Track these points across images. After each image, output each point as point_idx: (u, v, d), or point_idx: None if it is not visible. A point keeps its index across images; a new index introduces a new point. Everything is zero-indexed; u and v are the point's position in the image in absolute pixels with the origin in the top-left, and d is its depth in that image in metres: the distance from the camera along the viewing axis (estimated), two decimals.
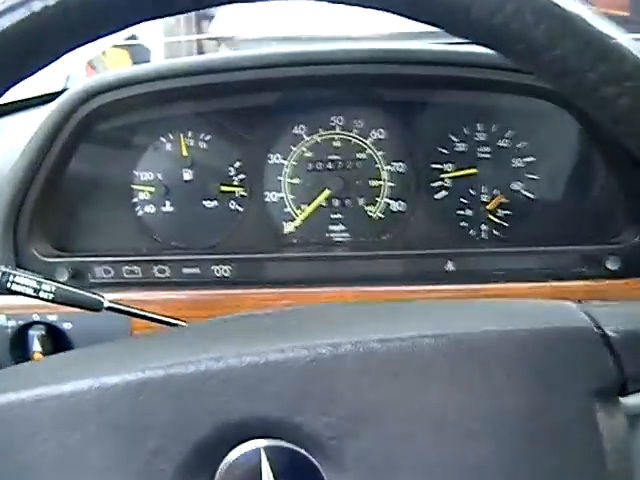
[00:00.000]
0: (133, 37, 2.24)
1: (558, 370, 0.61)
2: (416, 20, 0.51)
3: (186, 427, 0.56)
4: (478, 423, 0.59)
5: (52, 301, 0.99)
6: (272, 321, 0.73)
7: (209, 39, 2.50)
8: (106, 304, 1.03)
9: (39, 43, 0.46)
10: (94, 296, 1.03)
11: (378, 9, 0.50)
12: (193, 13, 3.33)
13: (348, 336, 0.59)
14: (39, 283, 0.98)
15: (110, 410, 0.57)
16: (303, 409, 0.57)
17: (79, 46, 0.48)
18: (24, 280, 0.97)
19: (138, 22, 0.47)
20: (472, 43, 0.53)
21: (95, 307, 1.03)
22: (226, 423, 0.56)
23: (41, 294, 0.98)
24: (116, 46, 2.15)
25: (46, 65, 0.48)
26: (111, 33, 0.48)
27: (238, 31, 2.25)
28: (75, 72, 1.73)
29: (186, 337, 0.73)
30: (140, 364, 0.58)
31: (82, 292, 1.03)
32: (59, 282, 1.02)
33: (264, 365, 0.57)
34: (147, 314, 1.05)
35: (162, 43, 2.62)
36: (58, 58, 0.48)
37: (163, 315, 1.07)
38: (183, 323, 1.06)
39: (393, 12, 0.50)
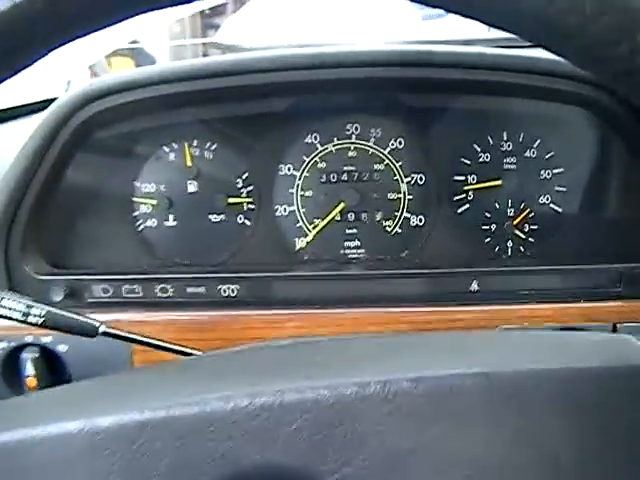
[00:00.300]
0: (135, 42, 2.20)
1: (620, 415, 0.55)
2: (464, 15, 0.46)
3: (189, 477, 0.52)
4: (526, 476, 0.53)
5: (42, 326, 0.93)
6: (289, 355, 0.67)
7: (214, 44, 2.46)
8: (102, 329, 0.97)
9: (27, 36, 0.44)
10: (89, 321, 0.97)
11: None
12: (199, 21, 3.31)
13: (376, 374, 0.54)
14: (28, 306, 0.92)
15: (103, 456, 0.51)
16: (323, 458, 0.52)
17: (68, 41, 0.46)
18: (11, 303, 0.92)
19: (128, 17, 0.46)
20: (520, 47, 0.48)
21: (89, 333, 0.96)
22: (235, 472, 0.52)
23: (30, 318, 0.92)
24: (120, 54, 2.12)
25: (36, 60, 0.46)
26: (102, 27, 0.46)
27: (244, 40, 2.21)
28: (77, 78, 1.68)
29: (191, 372, 0.67)
30: (138, 403, 0.54)
31: (75, 316, 0.96)
32: (51, 305, 0.96)
33: (279, 407, 0.52)
34: (147, 340, 0.99)
35: (167, 52, 2.60)
36: (47, 53, 0.46)
37: (164, 341, 1.01)
38: (186, 349, 0.99)
39: (432, 5, 0.45)
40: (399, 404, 0.53)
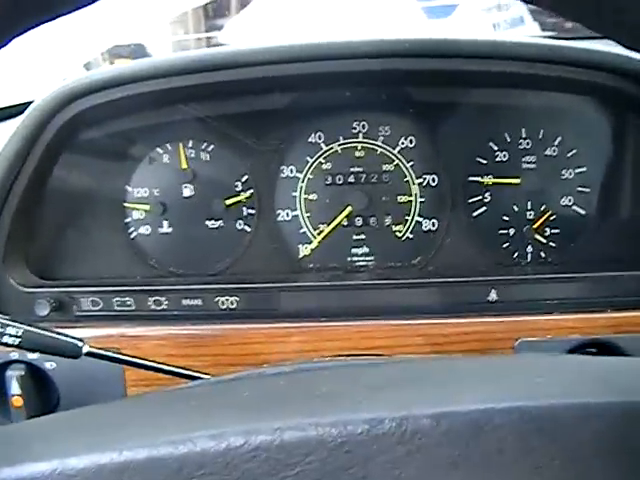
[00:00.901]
0: (137, 43, 2.19)
1: None
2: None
3: None
4: None
5: (19, 347, 0.88)
6: (290, 384, 0.63)
7: (217, 44, 2.45)
8: (85, 349, 0.92)
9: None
10: (71, 340, 0.91)
11: None
12: (202, 23, 3.33)
13: (391, 409, 0.50)
14: (2, 325, 0.87)
15: None
16: None
17: (32, 27, 0.44)
18: None
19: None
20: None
21: (72, 354, 0.92)
22: None
23: (5, 339, 0.87)
24: (122, 56, 2.11)
25: (21, 34, 0.44)
26: (66, 13, 0.44)
27: (247, 41, 2.19)
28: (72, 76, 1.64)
29: (178, 404, 0.62)
30: (118, 442, 0.49)
31: (56, 336, 0.91)
32: (37, 320, 0.96)
33: (278, 447, 0.48)
34: (135, 360, 0.93)
35: (170, 49, 2.61)
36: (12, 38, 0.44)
37: (154, 361, 0.97)
38: (178, 369, 0.96)
39: None
40: (418, 445, 0.48)
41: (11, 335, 0.86)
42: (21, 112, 1.16)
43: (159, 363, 0.95)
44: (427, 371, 0.62)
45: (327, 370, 0.66)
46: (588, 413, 0.50)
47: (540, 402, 0.50)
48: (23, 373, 1.10)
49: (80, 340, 0.91)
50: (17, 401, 1.10)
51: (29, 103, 1.12)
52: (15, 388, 1.09)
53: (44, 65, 1.59)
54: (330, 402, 0.54)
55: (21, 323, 0.88)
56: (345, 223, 1.23)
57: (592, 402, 0.50)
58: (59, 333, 0.91)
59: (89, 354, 0.91)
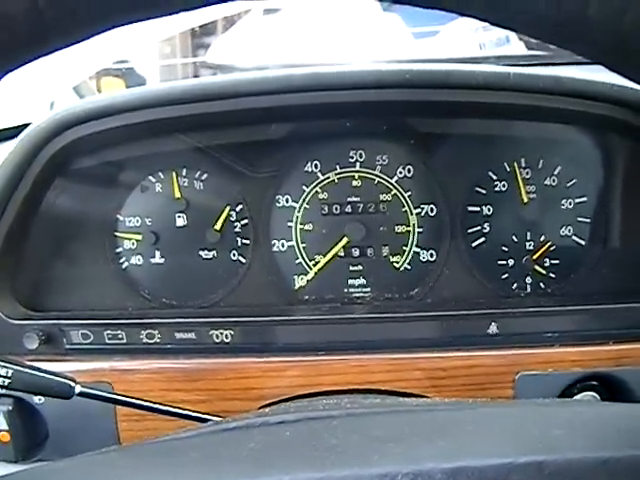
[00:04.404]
0: (125, 62, 2.15)
1: None
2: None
3: None
4: None
5: (8, 388, 0.85)
6: (295, 436, 0.58)
7: (204, 64, 2.42)
8: (77, 389, 0.89)
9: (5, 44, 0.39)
10: (63, 380, 0.89)
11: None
12: (189, 41, 3.30)
13: (403, 462, 0.46)
14: None
15: None
16: None
17: (53, 51, 0.42)
18: None
19: (117, 25, 0.42)
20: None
21: (64, 394, 0.89)
22: None
23: None
24: (111, 75, 2.07)
25: (15, 68, 0.42)
26: (92, 35, 0.42)
27: (235, 60, 2.17)
28: (61, 99, 1.61)
29: (183, 454, 0.57)
30: None
31: (47, 376, 0.88)
32: (25, 354, 0.95)
33: None
34: (129, 400, 0.91)
35: (158, 72, 2.57)
36: (28, 62, 0.42)
37: (147, 400, 0.94)
38: (172, 409, 0.94)
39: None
40: None
41: (0, 376, 0.83)
42: (15, 135, 1.14)
43: (152, 402, 0.93)
44: (441, 421, 0.59)
45: (336, 420, 0.62)
46: (611, 468, 0.46)
47: (562, 456, 0.47)
48: (10, 408, 1.07)
49: (72, 380, 0.89)
50: (4, 437, 1.07)
51: (25, 126, 1.10)
52: (2, 423, 1.06)
53: (37, 85, 1.56)
54: (339, 455, 0.51)
55: (10, 363, 0.85)
56: (342, 254, 1.21)
57: (616, 456, 0.47)
58: (50, 372, 0.88)
59: (81, 394, 0.88)
